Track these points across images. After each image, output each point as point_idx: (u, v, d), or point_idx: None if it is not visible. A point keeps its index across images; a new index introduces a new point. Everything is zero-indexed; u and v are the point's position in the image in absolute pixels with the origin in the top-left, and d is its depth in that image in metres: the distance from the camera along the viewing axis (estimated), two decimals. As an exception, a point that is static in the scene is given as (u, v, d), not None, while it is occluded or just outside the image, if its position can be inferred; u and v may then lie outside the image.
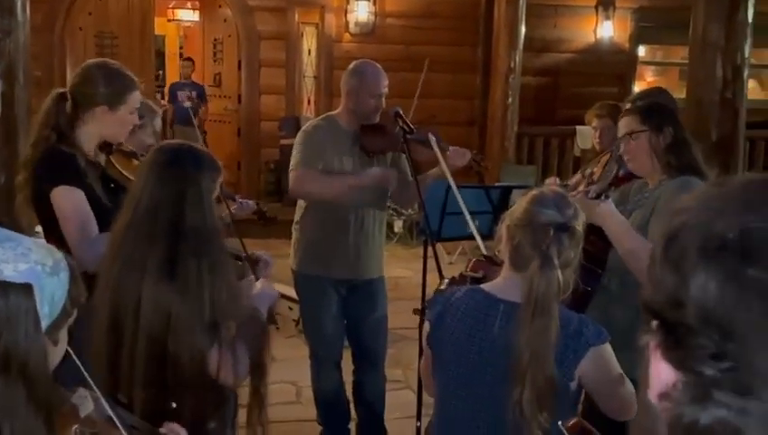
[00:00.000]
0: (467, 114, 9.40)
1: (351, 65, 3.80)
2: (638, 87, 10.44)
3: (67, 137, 2.57)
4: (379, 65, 3.80)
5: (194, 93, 8.87)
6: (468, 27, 9.28)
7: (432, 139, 3.56)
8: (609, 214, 2.59)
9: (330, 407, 3.95)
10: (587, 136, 6.86)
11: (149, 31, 9.18)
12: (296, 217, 3.83)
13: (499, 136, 8.55)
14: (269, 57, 9.21)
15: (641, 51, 10.40)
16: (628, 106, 2.84)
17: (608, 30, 9.74)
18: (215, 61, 9.70)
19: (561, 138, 8.86)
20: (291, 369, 4.62)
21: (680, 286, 0.67)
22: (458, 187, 3.34)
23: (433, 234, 3.35)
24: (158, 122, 3.37)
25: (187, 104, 8.89)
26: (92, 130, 2.63)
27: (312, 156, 3.61)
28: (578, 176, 4.27)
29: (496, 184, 3.53)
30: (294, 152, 3.67)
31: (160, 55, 14.21)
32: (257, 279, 2.34)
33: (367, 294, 3.80)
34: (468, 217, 3.17)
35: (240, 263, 2.35)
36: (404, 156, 3.64)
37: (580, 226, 2.02)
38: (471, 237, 3.54)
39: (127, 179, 2.59)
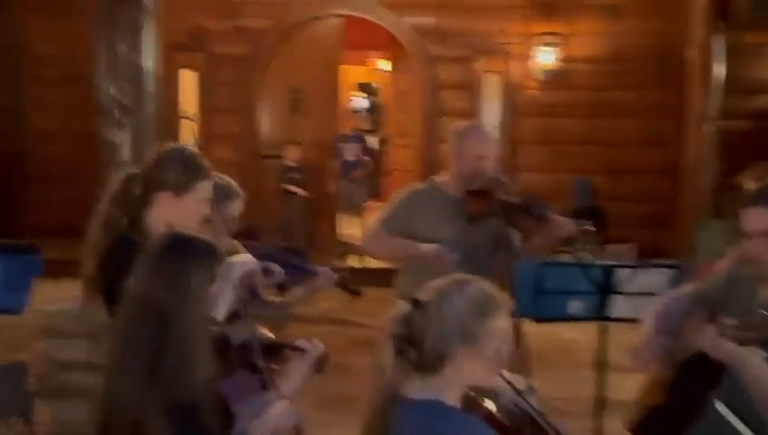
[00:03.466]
0: (660, 163, 8.74)
1: (455, 126, 3.66)
2: None
3: (137, 221, 2.46)
4: (483, 127, 3.64)
5: (359, 146, 8.94)
6: (661, 70, 8.66)
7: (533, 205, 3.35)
8: (758, 366, 2.14)
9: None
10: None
11: (335, 85, 9.47)
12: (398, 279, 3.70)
13: (691, 188, 7.85)
14: (451, 106, 9.14)
15: None
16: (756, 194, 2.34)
17: (832, 66, 8.67)
18: (401, 111, 9.81)
19: None
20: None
21: None
22: (552, 264, 3.05)
23: (521, 313, 3.06)
24: (233, 207, 3.04)
25: (351, 158, 9.01)
26: (159, 216, 2.47)
27: (395, 219, 3.57)
28: None
29: (597, 262, 3.17)
30: (385, 209, 3.63)
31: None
32: (291, 369, 2.22)
33: None
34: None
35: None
36: (509, 227, 3.42)
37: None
38: (574, 319, 3.22)
39: None
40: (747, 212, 2.29)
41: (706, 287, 2.53)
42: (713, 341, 2.12)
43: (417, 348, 1.75)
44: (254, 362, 2.16)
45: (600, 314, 3.06)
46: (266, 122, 9.50)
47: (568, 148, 8.99)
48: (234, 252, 2.70)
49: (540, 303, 3.11)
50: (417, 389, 1.76)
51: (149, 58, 4.33)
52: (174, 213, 2.46)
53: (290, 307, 3.18)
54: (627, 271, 3.01)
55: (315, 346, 2.28)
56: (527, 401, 2.06)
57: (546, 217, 3.36)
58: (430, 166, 9.23)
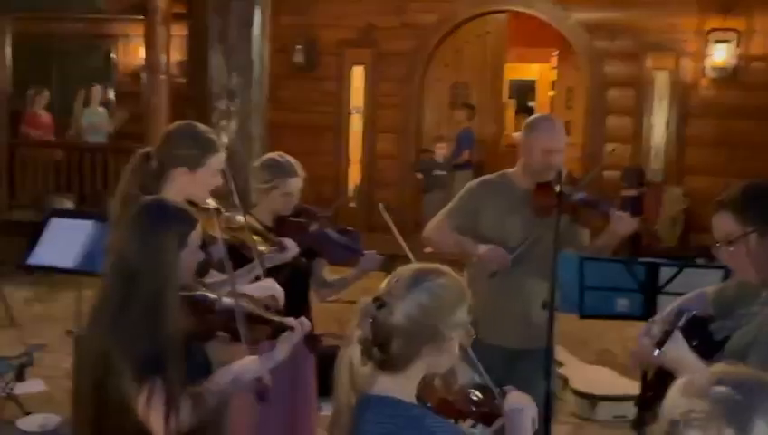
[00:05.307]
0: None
1: (528, 119, 3.60)
2: None
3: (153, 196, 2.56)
4: (557, 120, 3.56)
5: (451, 144, 8.91)
6: None
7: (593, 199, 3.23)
8: (678, 361, 2.03)
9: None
10: None
11: (500, 79, 9.42)
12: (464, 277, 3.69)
13: None
14: (617, 104, 8.82)
15: None
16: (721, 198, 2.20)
17: None
18: (567, 108, 9.59)
19: None
20: None
21: None
22: (595, 260, 2.94)
23: (557, 308, 2.98)
24: (290, 184, 3.19)
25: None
26: (175, 190, 2.61)
27: (461, 212, 3.52)
28: None
29: (641, 259, 3.01)
30: (455, 200, 3.61)
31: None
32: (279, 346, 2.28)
33: (531, 365, 3.50)
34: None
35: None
36: (575, 223, 3.34)
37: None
38: (621, 317, 3.08)
39: (209, 237, 2.58)
40: (713, 219, 2.17)
41: (724, 287, 2.37)
42: (641, 346, 2.02)
43: (383, 348, 1.71)
44: (236, 329, 2.22)
45: (645, 314, 2.91)
46: (429, 117, 9.65)
47: (741, 151, 8.38)
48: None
49: (583, 298, 3.01)
50: (380, 385, 1.73)
51: (259, 49, 4.61)
52: (189, 187, 2.62)
53: (340, 287, 3.33)
54: (672, 270, 2.84)
55: (303, 324, 2.32)
56: (485, 375, 2.05)
57: (608, 213, 3.25)
58: (593, 166, 8.97)
